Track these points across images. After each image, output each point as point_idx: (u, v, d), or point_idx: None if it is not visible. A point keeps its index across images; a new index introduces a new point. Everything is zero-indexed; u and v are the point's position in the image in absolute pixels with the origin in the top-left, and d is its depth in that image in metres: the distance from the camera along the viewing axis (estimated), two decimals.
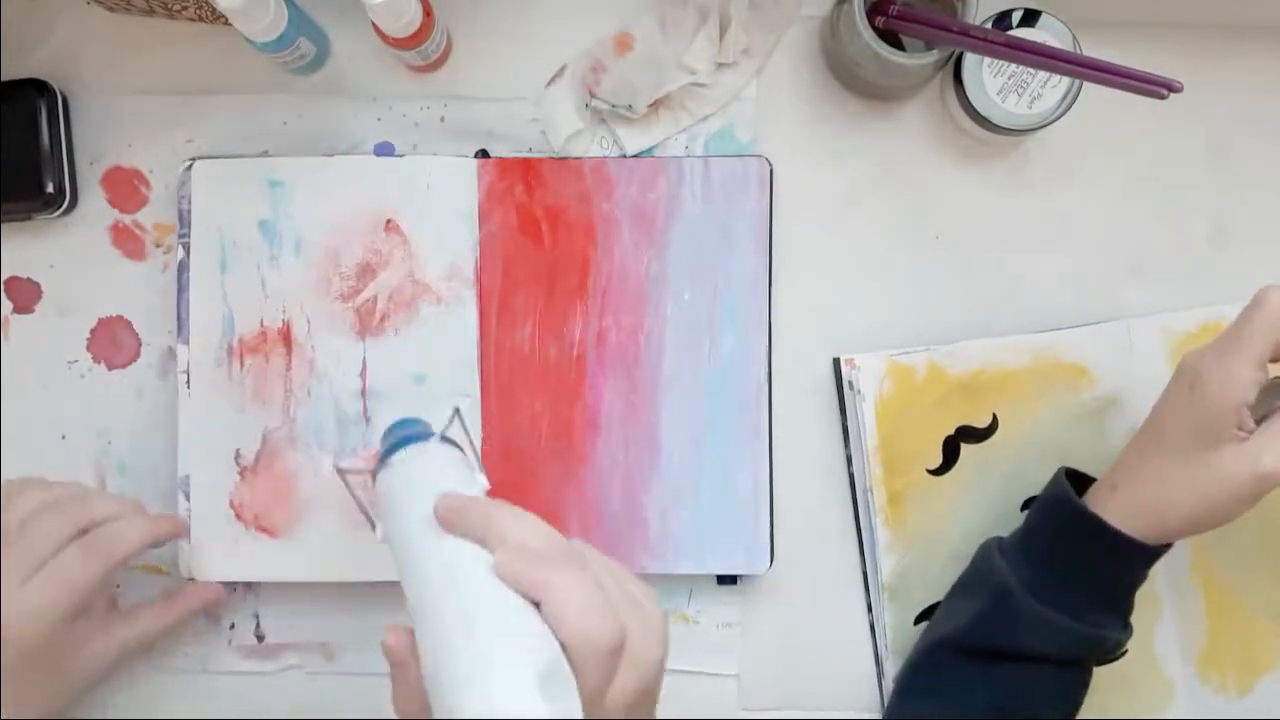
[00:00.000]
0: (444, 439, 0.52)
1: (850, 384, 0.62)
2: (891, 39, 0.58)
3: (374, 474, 0.52)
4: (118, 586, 0.65)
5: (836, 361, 0.63)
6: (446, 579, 0.44)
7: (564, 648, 0.41)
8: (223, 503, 0.62)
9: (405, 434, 0.52)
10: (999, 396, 0.63)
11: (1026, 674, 0.56)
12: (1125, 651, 0.58)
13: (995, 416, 0.63)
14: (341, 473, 0.56)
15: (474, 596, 0.43)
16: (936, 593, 0.62)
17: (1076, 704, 0.57)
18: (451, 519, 0.46)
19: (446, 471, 0.51)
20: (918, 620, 0.63)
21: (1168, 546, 0.55)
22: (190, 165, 0.63)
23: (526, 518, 0.46)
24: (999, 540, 0.59)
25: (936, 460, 0.63)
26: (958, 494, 0.63)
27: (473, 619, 0.42)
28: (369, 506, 0.54)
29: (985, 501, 0.63)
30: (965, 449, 0.63)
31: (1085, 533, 0.55)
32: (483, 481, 0.51)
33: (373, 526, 0.53)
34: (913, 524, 0.62)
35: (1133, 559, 0.55)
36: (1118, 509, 0.54)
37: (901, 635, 0.63)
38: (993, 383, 0.62)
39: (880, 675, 0.64)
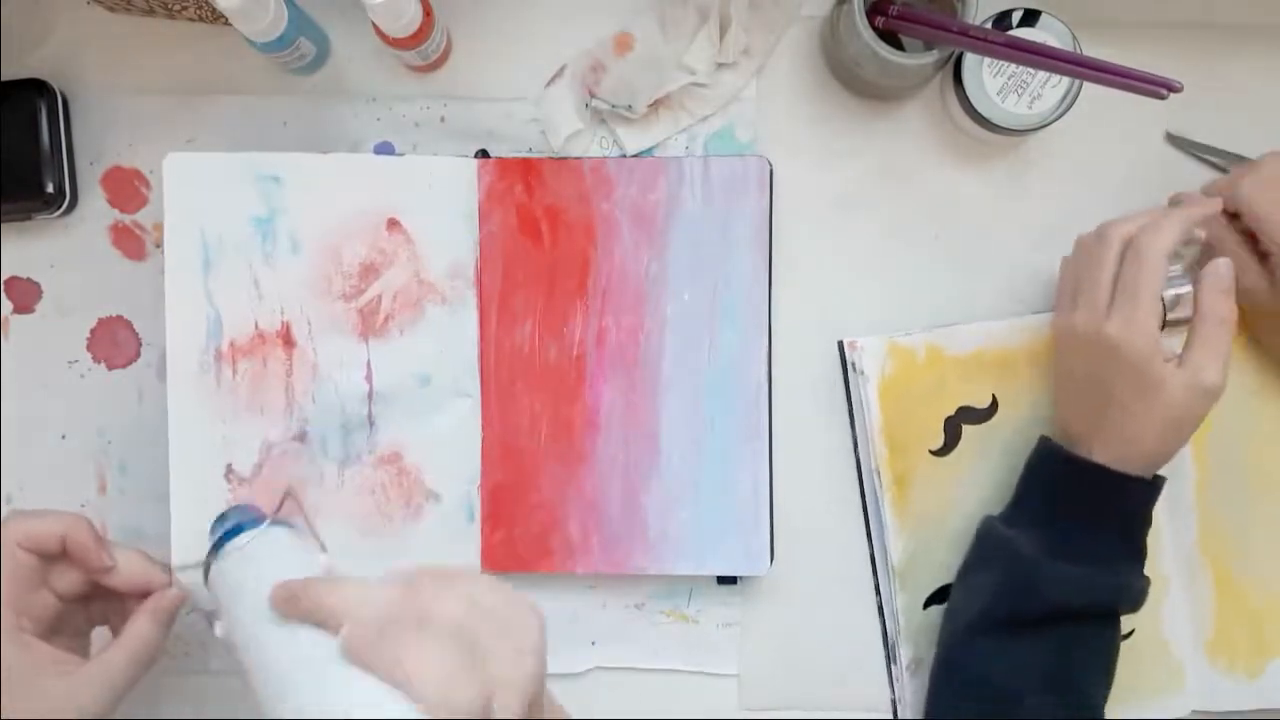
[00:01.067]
0: (276, 522, 0.52)
1: (853, 365, 0.63)
2: (891, 39, 0.58)
3: (206, 567, 0.52)
4: None
5: (841, 345, 0.63)
6: (294, 673, 0.43)
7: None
8: (209, 514, 0.59)
9: (237, 521, 0.52)
10: (998, 377, 0.63)
11: (1062, 635, 0.56)
12: (1144, 598, 0.57)
13: (995, 397, 0.63)
14: (173, 571, 0.55)
15: (327, 688, 0.42)
16: (944, 575, 0.62)
17: (1114, 662, 0.58)
18: (287, 606, 0.45)
19: (282, 555, 0.50)
20: (927, 604, 0.63)
21: (1160, 480, 0.57)
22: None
23: (360, 588, 0.45)
24: (996, 516, 0.60)
25: (939, 441, 0.63)
26: (961, 475, 0.63)
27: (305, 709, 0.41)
28: (205, 603, 0.53)
29: (988, 482, 0.63)
30: (967, 430, 0.63)
31: (1082, 479, 0.57)
32: (324, 560, 0.50)
33: (210, 625, 0.51)
34: (918, 506, 0.63)
35: (1130, 493, 0.56)
36: (1100, 455, 0.56)
37: (913, 620, 0.63)
38: (991, 363, 0.63)
39: (892, 660, 0.63)
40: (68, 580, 0.54)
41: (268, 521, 0.52)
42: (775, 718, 0.65)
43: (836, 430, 0.64)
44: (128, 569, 0.55)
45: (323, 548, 0.52)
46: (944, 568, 0.62)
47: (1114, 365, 0.55)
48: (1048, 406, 0.63)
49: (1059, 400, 0.61)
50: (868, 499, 0.64)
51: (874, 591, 0.64)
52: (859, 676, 0.64)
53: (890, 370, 0.62)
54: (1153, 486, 0.57)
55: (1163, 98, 0.50)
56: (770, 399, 0.62)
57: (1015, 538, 0.58)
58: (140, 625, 0.54)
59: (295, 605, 0.46)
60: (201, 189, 0.62)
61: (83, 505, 0.65)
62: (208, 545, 0.53)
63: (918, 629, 0.63)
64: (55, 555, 0.54)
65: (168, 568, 0.57)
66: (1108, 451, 0.56)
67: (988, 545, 0.60)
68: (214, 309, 0.62)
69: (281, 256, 0.62)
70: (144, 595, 0.55)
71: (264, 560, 0.49)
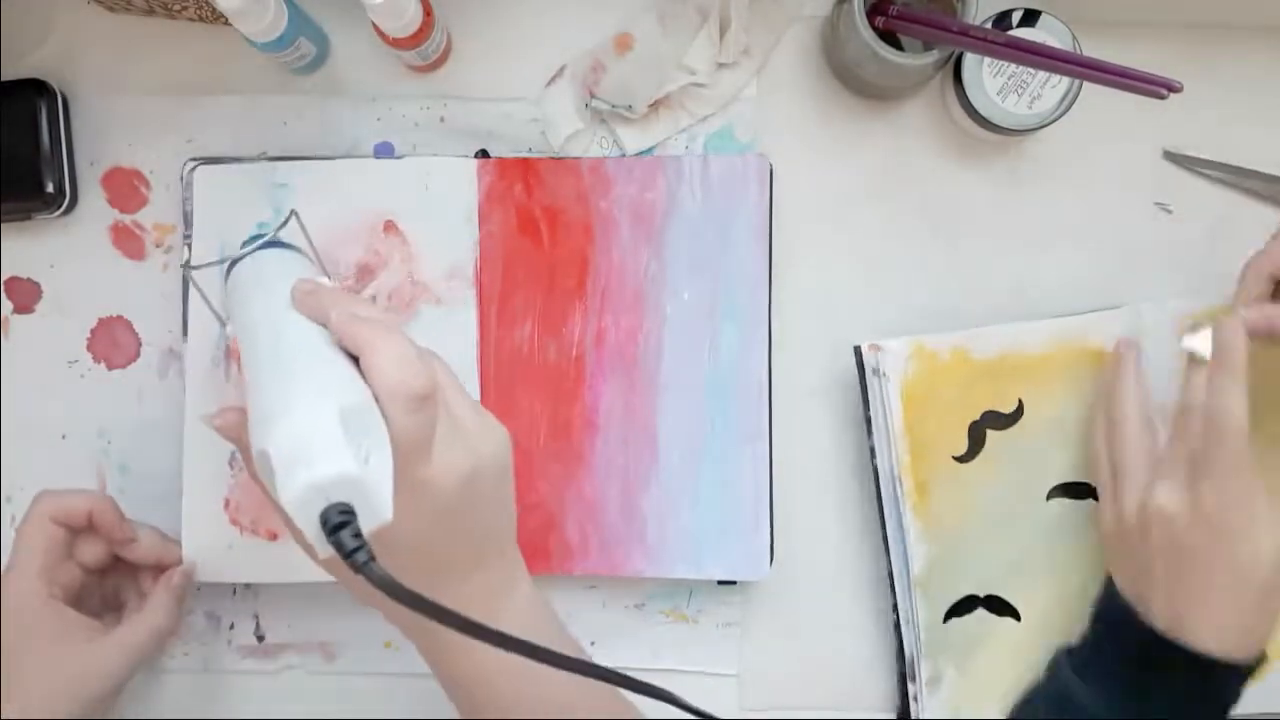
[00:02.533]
0: (286, 245, 0.55)
1: (874, 369, 0.61)
2: (891, 39, 0.58)
3: (227, 270, 0.55)
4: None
5: (858, 350, 0.62)
6: (276, 338, 0.47)
7: (378, 400, 0.43)
8: (218, 506, 0.62)
9: (260, 234, 0.56)
10: (1024, 381, 0.61)
11: None
12: None
13: (1021, 402, 0.62)
14: (190, 269, 0.59)
15: (294, 348, 0.46)
16: (964, 586, 0.61)
17: None
18: (307, 300, 0.48)
19: (296, 269, 0.53)
20: (947, 618, 0.62)
21: (1261, 660, 0.53)
22: (194, 168, 0.63)
23: (369, 302, 0.51)
24: (1068, 654, 0.58)
25: (962, 447, 0.62)
26: (983, 482, 0.62)
27: (286, 364, 0.45)
28: (218, 306, 0.57)
29: (1010, 491, 0.62)
30: (991, 435, 0.62)
31: (1176, 662, 0.53)
32: (329, 281, 0.53)
33: (222, 324, 0.55)
34: (939, 514, 0.61)
35: (1228, 680, 0.53)
36: (1196, 633, 0.52)
37: (933, 634, 0.61)
38: (1018, 367, 0.61)
39: (912, 677, 0.62)
40: (92, 552, 0.60)
41: (285, 245, 0.55)
42: (775, 718, 0.65)
43: (837, 430, 0.64)
44: (147, 542, 0.61)
45: (329, 275, 0.56)
46: (963, 578, 0.61)
47: (1208, 542, 0.52)
48: (1072, 410, 0.62)
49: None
50: (885, 506, 0.62)
51: (880, 596, 0.64)
52: (859, 676, 0.64)
53: (913, 373, 0.61)
54: (1252, 669, 0.53)
55: (1163, 97, 0.50)
56: (770, 400, 0.62)
57: (1091, 703, 0.55)
58: (159, 598, 0.60)
59: (315, 302, 0.48)
60: (222, 198, 0.63)
61: None
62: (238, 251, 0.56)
63: (937, 643, 0.61)
64: (82, 529, 0.59)
65: (179, 544, 0.61)
66: (1205, 628, 0.52)
67: (1060, 695, 0.57)
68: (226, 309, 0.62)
69: None
70: (159, 569, 0.61)
71: (281, 269, 0.53)
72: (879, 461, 0.62)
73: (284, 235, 0.56)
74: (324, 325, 0.47)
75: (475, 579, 0.49)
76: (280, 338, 0.47)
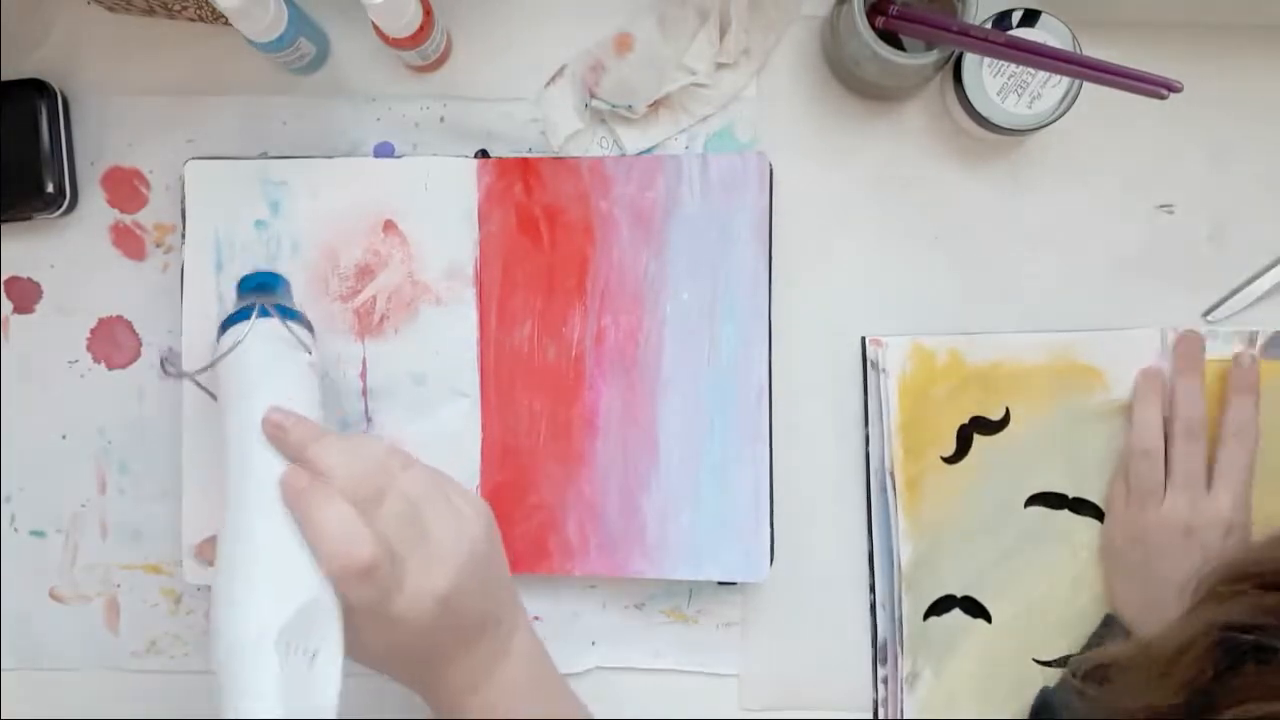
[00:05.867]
0: (266, 312, 0.55)
1: (874, 363, 0.62)
2: (891, 39, 0.58)
3: (219, 330, 0.56)
4: (117, 587, 0.65)
5: (863, 340, 0.63)
6: (250, 491, 0.49)
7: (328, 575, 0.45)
8: (218, 505, 0.62)
9: (249, 301, 0.56)
10: (1013, 391, 0.63)
11: None
12: None
13: (1008, 410, 0.63)
14: (187, 375, 0.58)
15: (252, 525, 0.48)
16: (943, 586, 0.62)
17: None
18: (275, 434, 0.49)
19: (270, 363, 0.54)
20: (926, 616, 0.62)
21: None
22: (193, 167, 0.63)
23: (345, 446, 0.48)
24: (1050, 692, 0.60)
25: (951, 448, 0.63)
26: (967, 485, 0.63)
27: (245, 544, 0.48)
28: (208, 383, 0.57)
29: (991, 495, 0.63)
30: (978, 439, 0.63)
31: None
32: (308, 358, 0.55)
33: (213, 397, 0.55)
34: (926, 512, 0.62)
35: None
36: None
37: (912, 630, 0.62)
38: (1009, 377, 0.62)
39: (883, 660, 0.63)
40: None
41: (257, 311, 0.55)
42: (775, 718, 0.65)
43: (838, 430, 0.64)
44: None
45: (308, 349, 0.56)
46: (943, 577, 0.62)
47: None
48: (1059, 425, 0.62)
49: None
50: (874, 500, 0.63)
51: (869, 592, 0.64)
52: (859, 677, 0.64)
53: (911, 371, 0.62)
54: None
55: (1163, 97, 0.50)
56: (770, 400, 0.62)
57: None
58: None
59: (282, 438, 0.49)
60: (217, 194, 0.62)
61: (83, 505, 0.65)
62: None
63: (916, 640, 0.62)
64: None
65: None
66: None
67: None
68: (223, 308, 0.62)
69: (283, 258, 0.63)
70: None
71: (266, 353, 0.54)
72: (871, 452, 0.63)
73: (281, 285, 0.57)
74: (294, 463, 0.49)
75: (461, 661, 0.50)
76: (250, 492, 0.49)
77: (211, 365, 0.54)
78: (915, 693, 0.62)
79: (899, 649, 0.62)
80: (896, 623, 0.62)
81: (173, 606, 0.65)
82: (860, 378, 0.64)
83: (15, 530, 0.65)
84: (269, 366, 0.54)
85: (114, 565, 0.65)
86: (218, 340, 0.56)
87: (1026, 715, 0.62)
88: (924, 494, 0.62)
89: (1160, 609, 0.58)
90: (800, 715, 0.64)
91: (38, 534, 0.65)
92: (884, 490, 0.62)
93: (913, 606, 0.62)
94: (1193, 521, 0.59)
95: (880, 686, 0.63)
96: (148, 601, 0.65)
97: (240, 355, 0.53)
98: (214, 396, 0.55)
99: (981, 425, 0.63)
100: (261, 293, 0.58)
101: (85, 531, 0.65)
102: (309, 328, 0.58)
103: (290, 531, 0.47)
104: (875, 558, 0.63)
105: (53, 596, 0.65)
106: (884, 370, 0.62)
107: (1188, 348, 0.61)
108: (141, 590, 0.65)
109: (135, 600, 0.65)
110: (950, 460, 0.63)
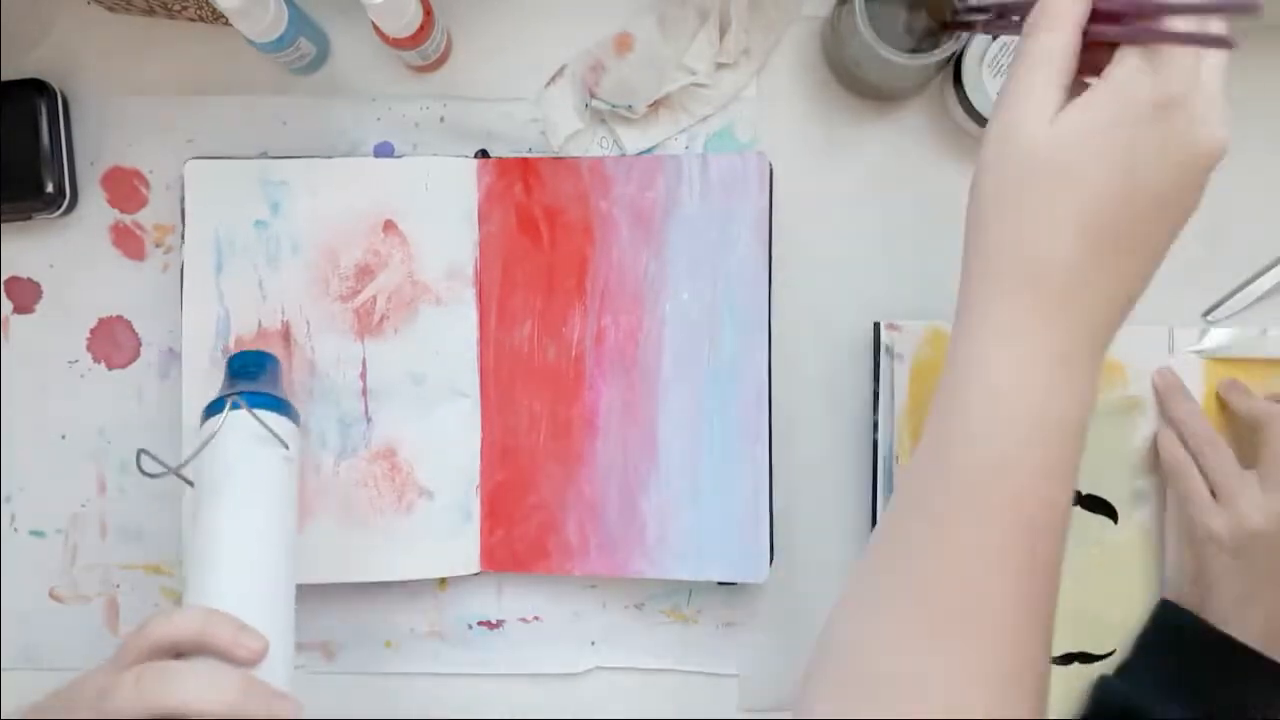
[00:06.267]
0: (238, 403, 0.54)
1: (888, 348, 0.62)
2: (890, 40, 0.58)
3: (203, 415, 0.55)
4: (117, 587, 0.65)
5: (876, 325, 0.63)
6: (206, 593, 0.50)
7: None
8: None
9: (230, 391, 0.55)
10: None
11: None
12: None
13: None
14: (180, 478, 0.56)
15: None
16: None
17: None
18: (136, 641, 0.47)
19: (243, 463, 0.53)
20: None
21: None
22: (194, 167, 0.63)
23: (200, 674, 0.46)
24: (1117, 676, 0.61)
25: None
26: None
27: None
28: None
29: None
30: None
31: (1240, 665, 0.56)
32: (283, 452, 0.54)
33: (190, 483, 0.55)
34: None
35: None
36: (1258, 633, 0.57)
37: None
38: None
39: None
40: None
41: (229, 405, 0.54)
42: (775, 718, 0.65)
43: (838, 430, 0.64)
44: None
45: (284, 444, 0.54)
46: None
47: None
48: None
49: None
50: (880, 484, 0.63)
51: None
52: None
53: (926, 357, 0.62)
54: None
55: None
56: (770, 400, 0.62)
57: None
58: None
59: (190, 631, 0.47)
60: (217, 193, 0.63)
61: (83, 505, 0.65)
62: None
63: None
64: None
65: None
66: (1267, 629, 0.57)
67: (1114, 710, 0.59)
68: (224, 308, 0.62)
69: (284, 258, 0.63)
70: None
71: (226, 458, 0.53)
72: (880, 439, 0.63)
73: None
74: None
75: None
76: (208, 597, 0.50)
77: (186, 463, 0.53)
78: None
79: None
80: None
81: (173, 606, 0.65)
82: (861, 373, 0.64)
83: (15, 530, 0.65)
84: (237, 466, 0.53)
85: (114, 565, 0.65)
86: (200, 425, 0.56)
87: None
88: None
89: (1247, 603, 0.58)
90: None
91: (38, 534, 0.65)
92: (890, 476, 0.62)
93: None
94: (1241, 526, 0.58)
95: None
96: (148, 601, 0.65)
97: (213, 450, 0.53)
98: (192, 485, 0.54)
99: None
100: (245, 377, 0.58)
101: (85, 531, 0.65)
102: (293, 416, 0.57)
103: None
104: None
105: (52, 596, 0.65)
106: (898, 355, 0.62)
107: (1165, 383, 0.62)
108: (141, 590, 0.65)
109: (135, 600, 0.65)
110: None
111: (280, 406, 0.55)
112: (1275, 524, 0.57)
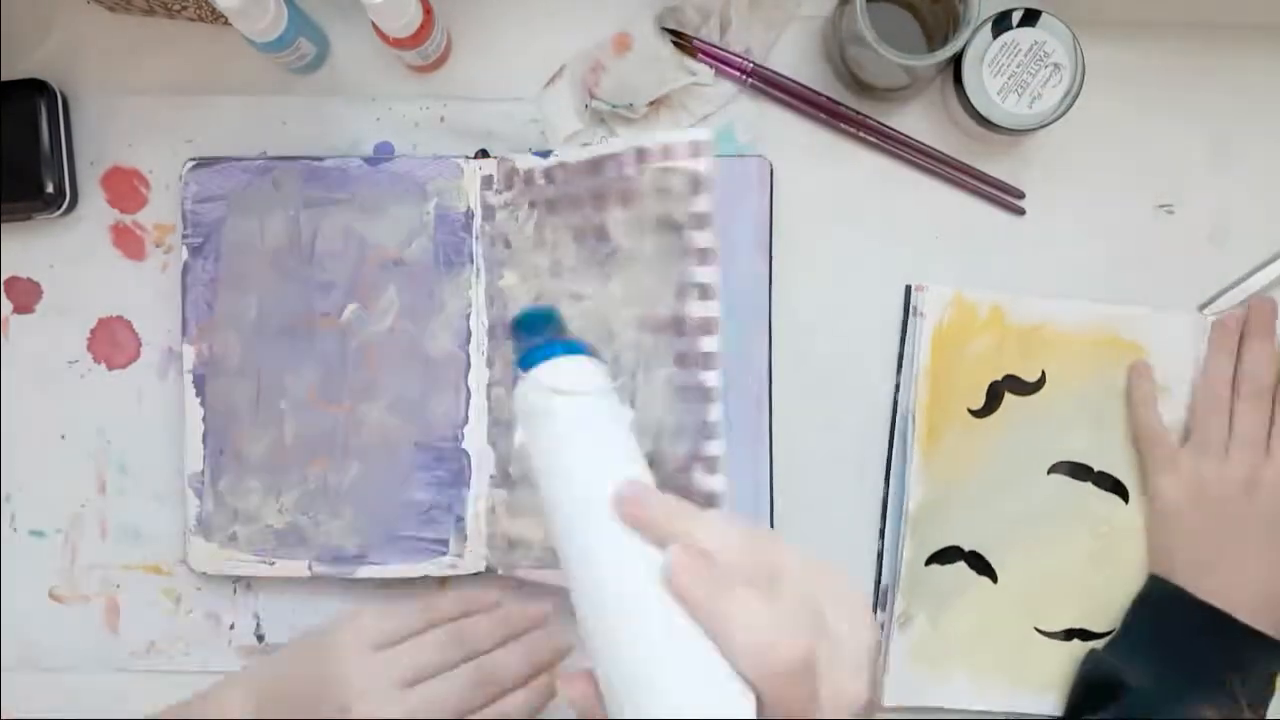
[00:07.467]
0: (573, 348, 0.45)
1: (915, 308, 0.63)
2: (889, 39, 0.58)
3: (514, 378, 0.46)
4: (117, 587, 0.65)
5: (908, 288, 0.64)
6: (608, 580, 0.40)
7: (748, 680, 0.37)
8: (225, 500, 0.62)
9: (546, 341, 0.46)
10: (1052, 356, 0.63)
11: None
12: None
13: (1044, 374, 0.63)
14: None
15: (642, 615, 0.39)
16: (951, 535, 0.63)
17: None
18: (633, 514, 0.41)
19: (598, 411, 0.44)
20: (928, 562, 0.63)
21: None
22: (193, 167, 0.63)
23: (721, 523, 0.41)
24: (1106, 649, 0.62)
25: (979, 402, 0.63)
26: (992, 441, 0.63)
27: (645, 673, 0.38)
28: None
29: (1016, 456, 0.63)
30: (1009, 398, 0.63)
31: (1221, 629, 0.58)
32: (629, 413, 0.45)
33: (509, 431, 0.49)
34: (944, 461, 0.62)
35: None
36: (1243, 604, 0.58)
37: (913, 573, 0.62)
38: (1050, 341, 0.63)
39: (882, 606, 0.63)
40: None
41: (584, 351, 0.45)
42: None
43: (839, 430, 0.64)
44: None
45: (630, 405, 0.46)
46: (953, 528, 0.63)
47: (1244, 504, 0.59)
48: (1093, 396, 0.63)
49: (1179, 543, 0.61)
50: (895, 443, 0.63)
51: (878, 542, 0.64)
52: None
53: (949, 320, 0.62)
54: None
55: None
56: (771, 400, 0.62)
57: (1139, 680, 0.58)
58: None
59: (639, 514, 0.40)
60: (220, 195, 0.63)
61: (83, 505, 0.65)
62: (514, 355, 0.47)
63: (914, 583, 0.62)
64: None
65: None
66: (1246, 600, 0.58)
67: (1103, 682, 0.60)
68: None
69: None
70: None
71: (581, 413, 0.44)
72: (900, 399, 0.63)
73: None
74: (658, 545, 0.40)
75: None
76: (607, 601, 0.40)
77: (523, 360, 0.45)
78: (906, 634, 0.62)
79: (893, 585, 0.62)
80: (895, 560, 0.62)
81: (173, 606, 0.65)
82: (861, 373, 0.64)
83: (15, 530, 0.65)
84: (589, 434, 0.44)
85: (114, 565, 0.65)
86: (518, 357, 0.46)
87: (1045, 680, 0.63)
88: (944, 442, 0.62)
89: (1214, 568, 0.59)
90: None
91: (38, 534, 0.65)
92: (905, 432, 0.63)
93: (915, 550, 0.62)
94: (1254, 478, 0.59)
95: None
96: (148, 601, 0.65)
97: (559, 412, 0.44)
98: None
99: (1015, 384, 0.63)
100: (534, 334, 0.47)
101: (85, 531, 0.65)
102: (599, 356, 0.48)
103: (690, 629, 0.38)
104: (889, 503, 0.64)
105: (53, 596, 0.65)
106: (922, 314, 0.62)
107: (1260, 311, 0.62)
108: (141, 590, 0.65)
109: (135, 600, 0.65)
110: (978, 414, 0.63)
111: (585, 349, 0.47)
112: (1195, 492, 0.60)
